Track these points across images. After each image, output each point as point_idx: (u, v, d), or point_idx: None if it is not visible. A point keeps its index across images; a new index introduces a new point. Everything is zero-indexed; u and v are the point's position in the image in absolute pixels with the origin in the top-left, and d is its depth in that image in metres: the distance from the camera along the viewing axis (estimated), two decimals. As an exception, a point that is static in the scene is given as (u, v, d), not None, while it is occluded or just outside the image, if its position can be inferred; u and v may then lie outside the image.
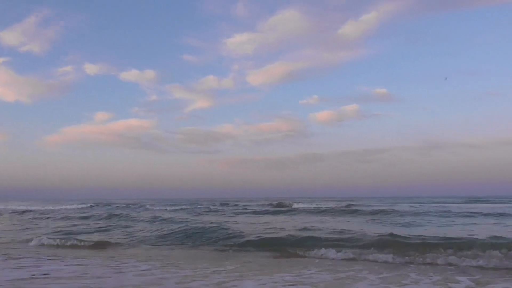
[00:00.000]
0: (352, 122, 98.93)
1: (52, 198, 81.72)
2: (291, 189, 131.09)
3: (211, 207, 34.72)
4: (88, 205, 43.20)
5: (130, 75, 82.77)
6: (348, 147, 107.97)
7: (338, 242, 9.69)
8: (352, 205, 33.29)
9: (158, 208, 33.71)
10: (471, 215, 19.19)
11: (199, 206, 36.77)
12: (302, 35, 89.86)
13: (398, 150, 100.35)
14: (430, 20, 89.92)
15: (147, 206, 38.19)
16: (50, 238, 11.99)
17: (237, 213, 25.59)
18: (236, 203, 44.84)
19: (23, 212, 30.54)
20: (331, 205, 33.12)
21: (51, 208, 38.18)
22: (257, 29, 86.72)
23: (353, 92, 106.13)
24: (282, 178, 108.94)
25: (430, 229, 13.27)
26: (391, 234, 10.14)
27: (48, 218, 23.03)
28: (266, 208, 30.99)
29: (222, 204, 41.72)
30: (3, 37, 74.65)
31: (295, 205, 34.24)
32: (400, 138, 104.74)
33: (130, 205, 41.09)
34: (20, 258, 8.42)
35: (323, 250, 8.83)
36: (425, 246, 8.57)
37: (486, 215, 19.05)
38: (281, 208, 32.34)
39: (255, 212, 26.11)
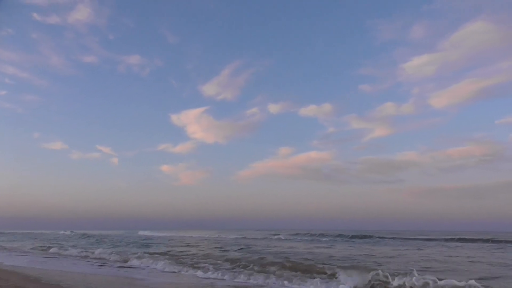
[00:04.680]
0: None
1: (245, 227, 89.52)
2: (490, 222, 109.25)
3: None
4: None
5: (308, 110, 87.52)
6: None
7: None
8: None
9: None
10: None
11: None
12: (494, 47, 78.84)
13: None
14: None
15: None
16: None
17: None
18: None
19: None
20: None
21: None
22: (438, 48, 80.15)
23: None
24: (478, 208, 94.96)
25: None
26: None
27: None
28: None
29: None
30: (204, 90, 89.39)
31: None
32: None
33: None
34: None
35: None
36: None
37: None
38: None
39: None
